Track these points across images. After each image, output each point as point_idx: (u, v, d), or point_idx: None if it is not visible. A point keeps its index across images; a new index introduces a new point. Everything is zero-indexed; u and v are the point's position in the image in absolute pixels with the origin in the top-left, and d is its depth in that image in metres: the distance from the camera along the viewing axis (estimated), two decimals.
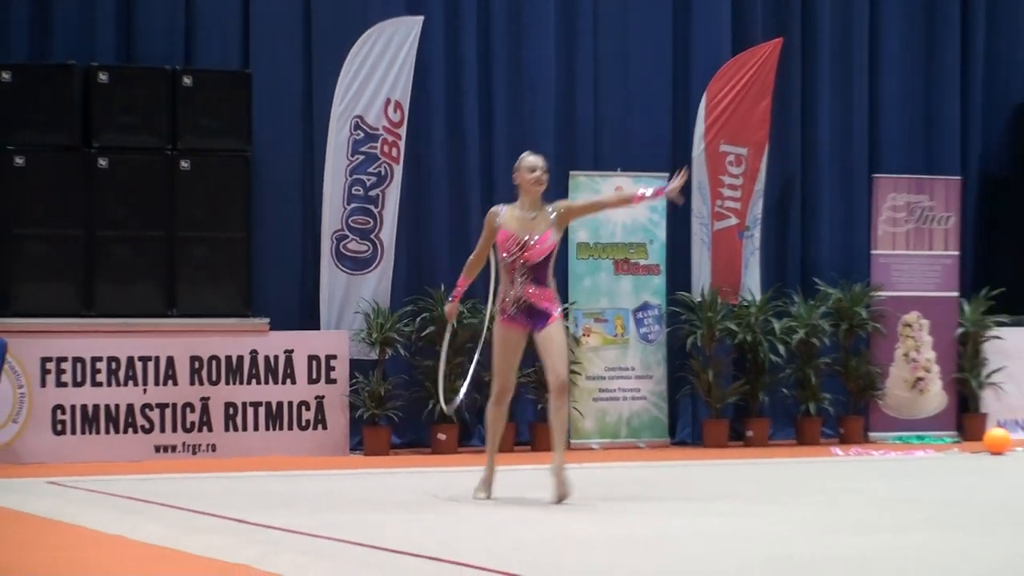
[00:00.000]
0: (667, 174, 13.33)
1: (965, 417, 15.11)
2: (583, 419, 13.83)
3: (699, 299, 14.27)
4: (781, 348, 14.27)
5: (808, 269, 15.60)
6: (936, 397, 15.14)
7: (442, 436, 13.04)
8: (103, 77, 12.08)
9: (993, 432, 14.15)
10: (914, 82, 16.47)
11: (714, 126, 14.49)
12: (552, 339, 8.95)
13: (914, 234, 15.12)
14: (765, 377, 14.43)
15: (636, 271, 14.21)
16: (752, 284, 14.66)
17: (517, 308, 8.83)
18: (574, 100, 14.84)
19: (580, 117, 14.88)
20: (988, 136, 16.71)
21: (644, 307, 14.17)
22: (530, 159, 9.06)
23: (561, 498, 8.78)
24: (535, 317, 8.88)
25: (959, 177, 15.66)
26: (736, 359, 14.69)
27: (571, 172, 14.05)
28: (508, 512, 9.51)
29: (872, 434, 14.70)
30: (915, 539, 8.03)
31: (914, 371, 14.96)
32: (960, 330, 15.16)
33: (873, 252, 14.98)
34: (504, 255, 8.78)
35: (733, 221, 14.61)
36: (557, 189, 13.52)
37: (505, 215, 8.96)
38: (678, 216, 14.49)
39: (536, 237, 8.85)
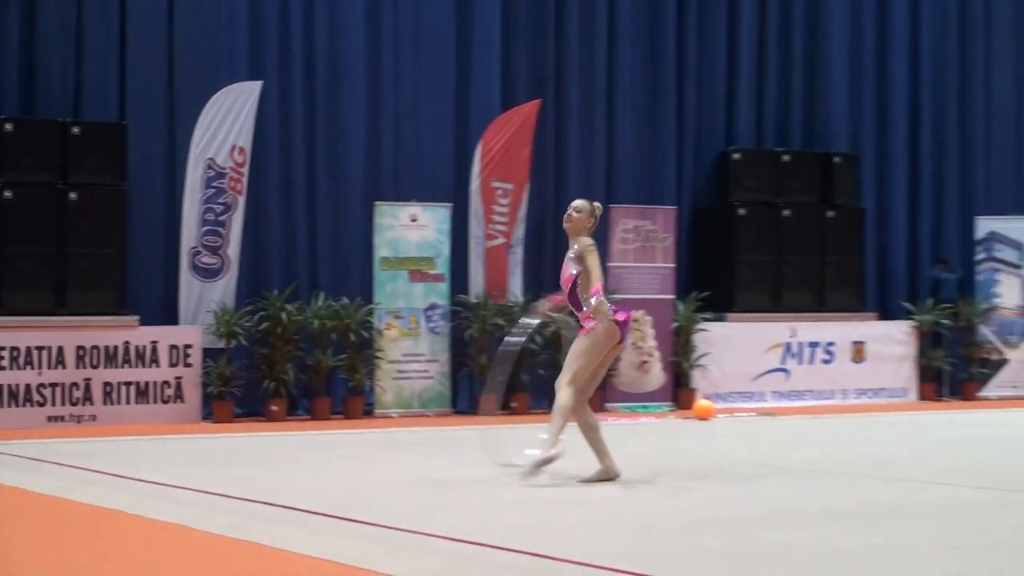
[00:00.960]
0: (451, 204, 15.73)
1: (679, 391, 16.88)
2: (385, 393, 15.40)
3: (475, 300, 15.90)
4: (538, 338, 15.43)
5: (559, 276, 17.11)
6: (657, 376, 16.66)
7: (274, 408, 14.60)
8: (9, 127, 13.91)
9: (700, 403, 15.94)
10: (641, 132, 17.96)
11: (488, 166, 16.08)
12: (571, 348, 9.57)
13: (640, 251, 16.82)
14: (526, 361, 15.53)
15: (426, 279, 15.81)
16: (516, 289, 16.30)
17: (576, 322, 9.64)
18: (379, 144, 16.21)
19: (383, 158, 16.24)
20: (697, 175, 18.43)
21: (432, 307, 15.86)
22: (573, 203, 9.76)
23: (538, 464, 9.17)
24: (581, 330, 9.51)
25: (675, 207, 17.52)
26: None
27: (375, 202, 15.69)
28: (331, 463, 11.02)
29: (608, 404, 16.10)
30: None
31: (640, 356, 16.51)
32: (675, 324, 16.92)
33: (609, 264, 16.11)
34: None
35: (501, 240, 16.23)
36: (364, 220, 15.65)
37: None
38: (458, 237, 16.01)
39: (567, 270, 9.57)
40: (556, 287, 16.28)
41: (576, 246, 9.48)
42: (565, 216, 9.67)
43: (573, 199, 16.47)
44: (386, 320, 15.66)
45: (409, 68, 16.55)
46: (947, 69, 20.19)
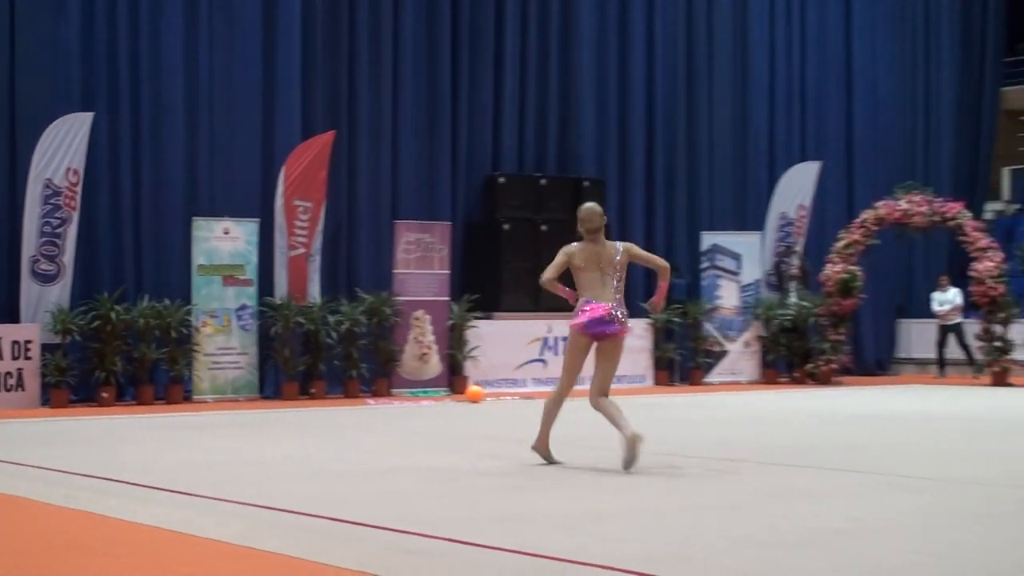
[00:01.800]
0: (258, 219, 16.11)
1: (454, 379, 17.58)
2: (202, 381, 15.92)
3: (279, 302, 16.47)
4: (334, 334, 16.57)
5: (352, 281, 17.72)
6: (435, 366, 17.48)
7: (105, 395, 15.03)
8: None
9: (471, 388, 16.61)
10: (421, 158, 18.80)
11: (290, 187, 16.68)
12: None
13: (420, 260, 17.56)
14: (323, 353, 16.62)
15: (237, 283, 16.33)
16: (314, 292, 16.90)
17: None
18: (196, 167, 16.78)
19: (200, 179, 16.82)
20: (468, 196, 19.35)
21: (242, 307, 16.39)
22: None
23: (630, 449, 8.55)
24: None
25: (450, 222, 18.33)
26: (304, 341, 16.74)
27: (193, 217, 16.21)
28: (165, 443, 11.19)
29: (394, 390, 16.96)
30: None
31: (421, 349, 17.43)
32: (450, 322, 17.63)
33: (394, 271, 17.34)
34: None
35: (302, 251, 16.83)
36: (183, 232, 16.00)
37: None
38: (265, 247, 16.51)
39: None
40: (349, 290, 17.49)
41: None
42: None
43: (363, 215, 17.96)
44: (202, 318, 16.08)
45: (222, 101, 17.06)
46: (677, 108, 21.50)
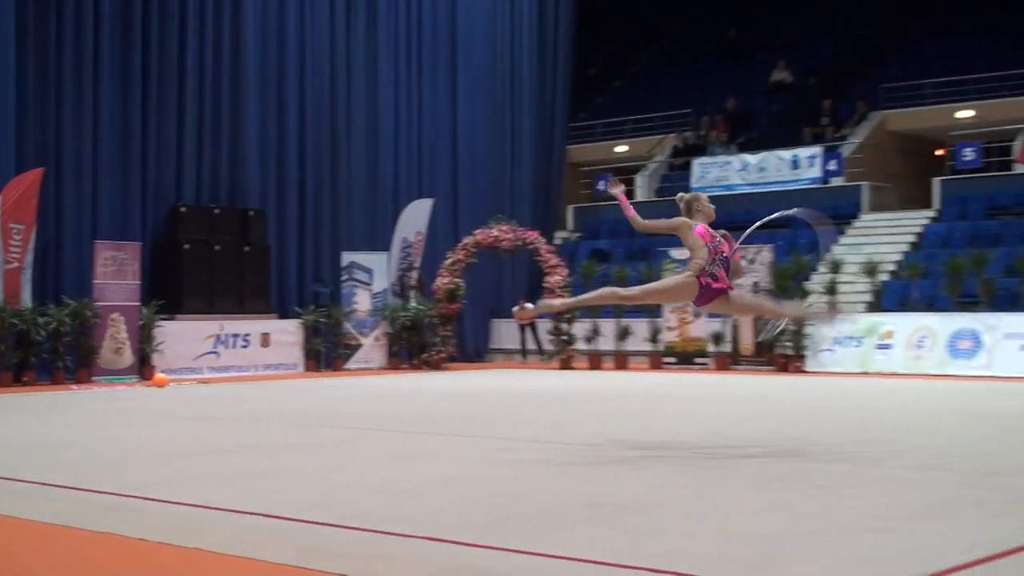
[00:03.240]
0: None
1: (144, 368, 17.34)
2: None
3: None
4: (43, 332, 16.34)
5: (59, 290, 17.49)
6: (128, 358, 17.36)
7: None
8: None
9: (158, 376, 16.59)
10: (116, 189, 18.44)
11: (6, 213, 16.27)
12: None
13: (116, 272, 17.42)
14: (34, 348, 16.48)
15: None
16: (27, 298, 16.66)
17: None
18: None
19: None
20: (156, 221, 19.21)
21: None
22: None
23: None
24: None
25: (140, 243, 18.19)
26: (17, 339, 16.43)
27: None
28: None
29: (94, 378, 16.83)
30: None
31: (116, 344, 17.29)
32: (141, 323, 17.50)
33: (94, 281, 17.22)
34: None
35: (16, 264, 16.62)
36: None
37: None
38: None
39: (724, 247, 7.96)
40: (56, 297, 17.20)
41: None
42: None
43: (68, 235, 17.73)
44: None
45: None
46: (323, 154, 21.83)
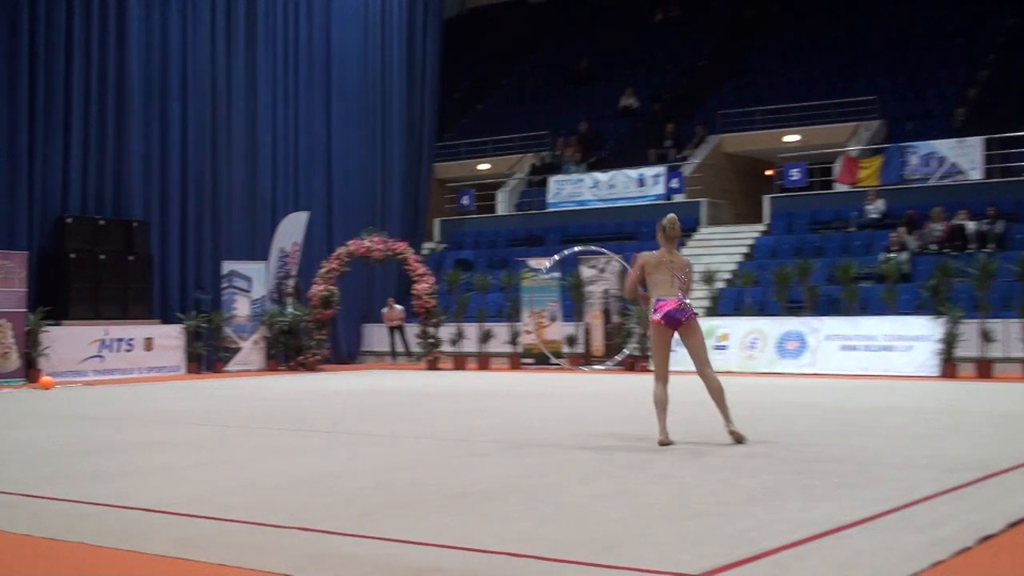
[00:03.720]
0: None
1: (31, 371, 17.16)
2: None
3: None
4: None
5: None
6: (15, 362, 17.16)
7: None
8: None
9: (44, 378, 16.36)
10: (3, 203, 17.98)
11: None
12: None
13: (3, 280, 17.08)
14: None
15: None
16: None
17: None
18: None
19: None
20: (43, 232, 18.89)
21: None
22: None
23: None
24: None
25: (27, 252, 17.93)
26: None
27: None
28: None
29: None
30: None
31: (3, 348, 16.88)
32: (28, 328, 17.34)
33: None
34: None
35: None
36: None
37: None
38: None
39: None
40: None
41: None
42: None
43: None
44: None
45: None
46: (204, 169, 21.51)
